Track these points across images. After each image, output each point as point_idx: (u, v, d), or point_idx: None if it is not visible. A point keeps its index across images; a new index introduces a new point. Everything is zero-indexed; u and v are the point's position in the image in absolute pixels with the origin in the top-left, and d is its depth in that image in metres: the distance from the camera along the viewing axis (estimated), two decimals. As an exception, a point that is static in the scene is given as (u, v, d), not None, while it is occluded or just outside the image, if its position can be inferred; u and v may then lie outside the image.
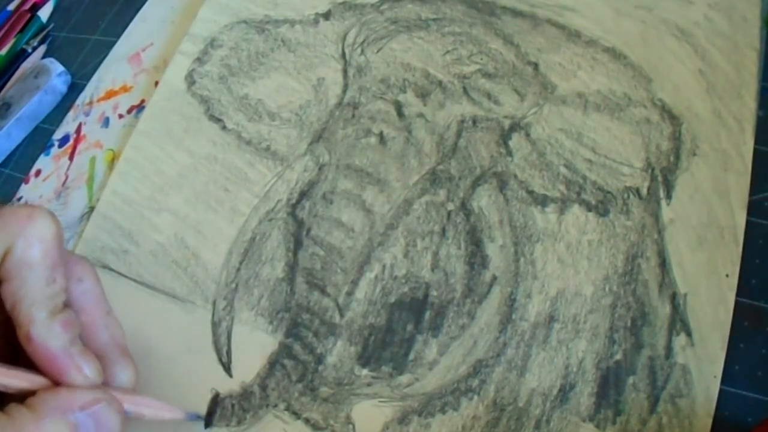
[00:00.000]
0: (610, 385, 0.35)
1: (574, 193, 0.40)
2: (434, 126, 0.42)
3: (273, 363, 0.38)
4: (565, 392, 0.35)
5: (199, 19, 0.51)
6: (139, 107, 0.51)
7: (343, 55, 0.46)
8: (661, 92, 0.41)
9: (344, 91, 0.45)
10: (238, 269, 0.41)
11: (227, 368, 0.39)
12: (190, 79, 0.48)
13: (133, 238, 0.43)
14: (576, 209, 0.39)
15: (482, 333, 0.37)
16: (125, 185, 0.46)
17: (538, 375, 0.36)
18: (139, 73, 0.53)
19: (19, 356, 0.31)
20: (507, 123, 0.42)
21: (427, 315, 0.38)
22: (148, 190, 0.45)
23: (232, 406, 0.37)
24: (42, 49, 0.59)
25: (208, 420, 0.37)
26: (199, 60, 0.49)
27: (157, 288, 0.41)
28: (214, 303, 0.40)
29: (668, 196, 0.39)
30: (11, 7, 0.62)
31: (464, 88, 0.43)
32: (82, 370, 0.30)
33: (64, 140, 0.53)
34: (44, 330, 0.29)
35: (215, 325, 0.40)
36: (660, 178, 0.39)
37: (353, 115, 0.44)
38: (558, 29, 0.45)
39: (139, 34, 0.55)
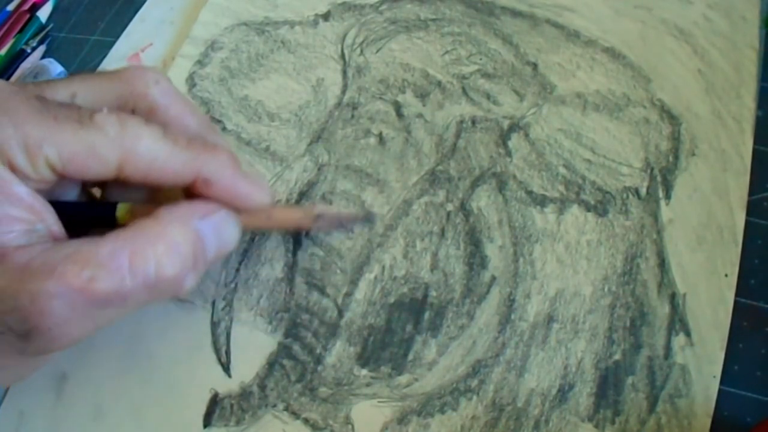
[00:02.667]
0: (609, 385, 0.35)
1: (573, 194, 0.40)
2: (433, 126, 0.42)
3: (272, 363, 0.38)
4: (564, 392, 0.35)
5: (199, 21, 0.51)
6: (139, 107, 0.51)
7: (343, 55, 0.46)
8: (661, 92, 0.41)
9: (343, 92, 0.45)
10: (237, 269, 0.41)
11: (226, 368, 0.38)
12: (191, 82, 0.48)
13: (132, 238, 0.43)
14: (575, 209, 0.39)
15: (481, 333, 0.37)
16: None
17: (537, 375, 0.36)
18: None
19: None
20: (506, 123, 0.42)
21: (427, 315, 0.38)
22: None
23: (231, 406, 0.37)
24: (41, 49, 0.59)
25: (208, 419, 0.37)
26: (200, 62, 0.49)
27: (156, 288, 0.41)
28: (213, 303, 0.40)
29: (667, 196, 0.39)
30: (10, 7, 0.62)
31: (463, 89, 0.43)
32: (263, 189, 0.34)
33: (64, 141, 0.53)
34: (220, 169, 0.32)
35: (214, 325, 0.40)
36: (659, 178, 0.39)
37: (352, 116, 0.44)
38: (557, 29, 0.45)
39: (139, 34, 0.55)
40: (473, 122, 0.42)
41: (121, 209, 0.33)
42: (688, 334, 0.35)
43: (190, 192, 0.33)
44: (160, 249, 0.30)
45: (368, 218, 0.40)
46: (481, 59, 0.44)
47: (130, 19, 0.56)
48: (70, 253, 0.28)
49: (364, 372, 0.37)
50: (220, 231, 0.32)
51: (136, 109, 0.34)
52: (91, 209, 0.35)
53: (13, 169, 0.29)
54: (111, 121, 0.30)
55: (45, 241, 0.30)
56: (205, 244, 0.32)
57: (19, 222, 0.29)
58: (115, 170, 0.31)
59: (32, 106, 0.30)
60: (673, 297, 0.36)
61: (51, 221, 0.30)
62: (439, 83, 0.44)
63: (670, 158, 0.40)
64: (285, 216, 0.37)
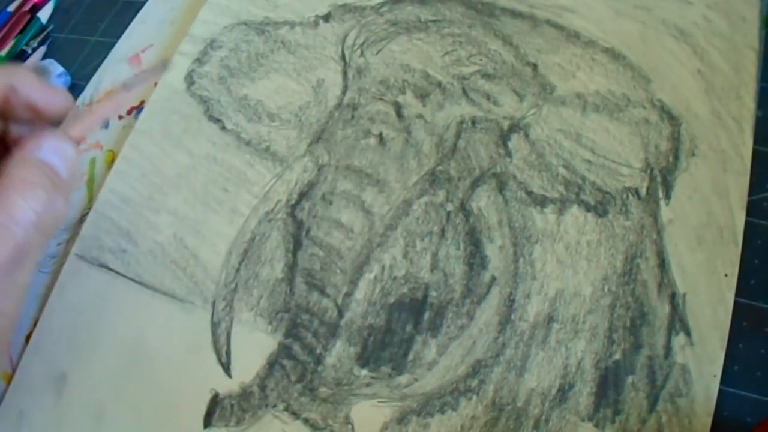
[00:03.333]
0: (609, 385, 0.35)
1: (573, 194, 0.40)
2: (433, 127, 0.42)
3: (272, 363, 0.38)
4: (564, 392, 0.35)
5: (199, 20, 0.51)
6: (139, 108, 0.51)
7: (343, 56, 0.46)
8: (660, 93, 0.41)
9: (344, 93, 0.45)
10: (238, 270, 0.41)
11: (226, 368, 0.39)
12: (190, 80, 0.48)
13: (131, 237, 0.43)
14: (575, 210, 0.39)
15: (481, 333, 0.37)
16: (123, 184, 0.46)
17: (537, 375, 0.36)
18: (138, 74, 0.53)
19: None
20: (506, 124, 0.42)
21: (426, 315, 0.38)
22: (147, 190, 0.45)
23: (232, 406, 0.37)
24: (42, 50, 0.59)
25: (208, 419, 0.37)
26: (199, 60, 0.49)
27: (156, 288, 0.41)
28: (213, 303, 0.40)
29: (667, 197, 0.39)
30: (11, 8, 0.62)
31: (463, 89, 0.43)
32: (62, 91, 0.38)
33: (64, 141, 0.53)
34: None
35: (214, 325, 0.40)
36: (659, 179, 0.39)
37: (353, 116, 0.44)
38: (557, 30, 0.45)
39: (139, 35, 0.55)
40: (473, 123, 0.42)
41: None
42: (688, 333, 0.35)
43: (2, 115, 0.36)
44: (27, 193, 0.32)
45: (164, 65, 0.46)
46: (481, 60, 0.44)
47: (131, 20, 0.56)
48: None
49: (364, 372, 0.37)
50: (58, 149, 0.35)
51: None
52: None
53: None
54: None
55: None
56: (54, 167, 0.34)
57: None
58: None
59: None
60: (673, 297, 0.36)
61: None
62: (439, 84, 0.44)
63: (670, 158, 0.40)
64: (103, 105, 0.40)
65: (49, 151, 0.35)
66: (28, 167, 0.33)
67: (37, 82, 0.36)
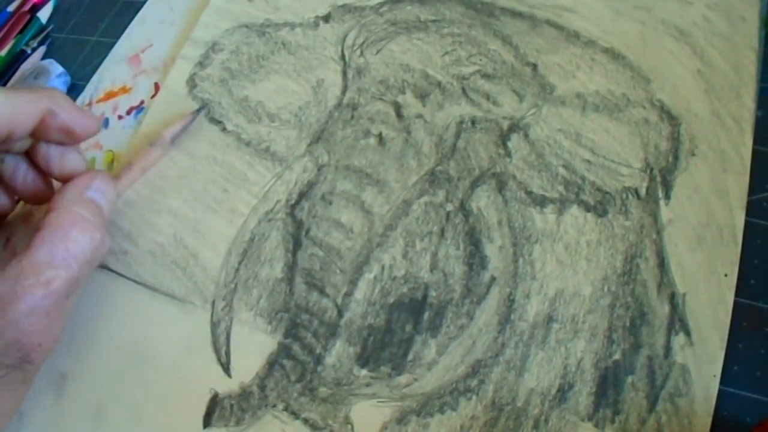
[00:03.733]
0: (608, 385, 0.35)
1: (573, 194, 0.40)
2: (433, 127, 0.42)
3: (272, 363, 0.38)
4: (563, 392, 0.35)
5: (201, 24, 0.51)
6: (139, 108, 0.51)
7: (343, 56, 0.46)
8: (660, 93, 0.41)
9: (343, 93, 0.45)
10: (237, 270, 0.41)
11: (226, 368, 0.38)
12: (192, 83, 0.48)
13: (132, 238, 0.43)
14: (575, 210, 0.39)
15: (481, 333, 0.37)
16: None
17: (536, 375, 0.36)
18: (138, 74, 0.53)
19: None
20: (506, 124, 0.42)
21: (426, 315, 0.38)
22: (148, 191, 0.45)
23: (231, 406, 0.37)
24: (42, 50, 0.59)
25: (208, 419, 0.37)
26: (201, 64, 0.49)
27: (156, 288, 0.41)
28: (213, 303, 0.40)
29: (667, 197, 0.39)
30: (11, 8, 0.62)
31: (463, 89, 0.43)
32: (94, 116, 0.40)
33: (64, 141, 0.53)
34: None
35: (214, 325, 0.40)
36: (659, 179, 0.39)
37: (352, 116, 0.44)
38: (557, 30, 0.45)
39: (139, 35, 0.55)
40: (473, 123, 0.42)
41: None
42: (688, 333, 0.35)
43: (38, 135, 0.38)
44: (79, 227, 0.35)
45: (198, 111, 0.47)
46: (480, 60, 0.44)
47: (131, 20, 0.56)
48: (20, 272, 0.32)
49: (364, 372, 0.37)
50: (103, 190, 0.38)
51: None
52: None
53: None
54: None
55: None
56: (100, 207, 0.37)
57: None
58: None
59: None
60: (672, 297, 0.36)
61: None
62: (439, 84, 0.44)
63: (670, 158, 0.40)
64: (147, 161, 0.44)
65: (97, 190, 0.38)
66: (83, 205, 0.36)
67: (73, 107, 0.38)
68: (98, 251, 0.36)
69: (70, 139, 0.39)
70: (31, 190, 0.41)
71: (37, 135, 0.38)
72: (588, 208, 0.39)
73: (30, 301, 0.32)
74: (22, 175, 0.40)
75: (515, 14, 0.46)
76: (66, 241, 0.34)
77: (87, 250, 0.35)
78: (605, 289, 0.37)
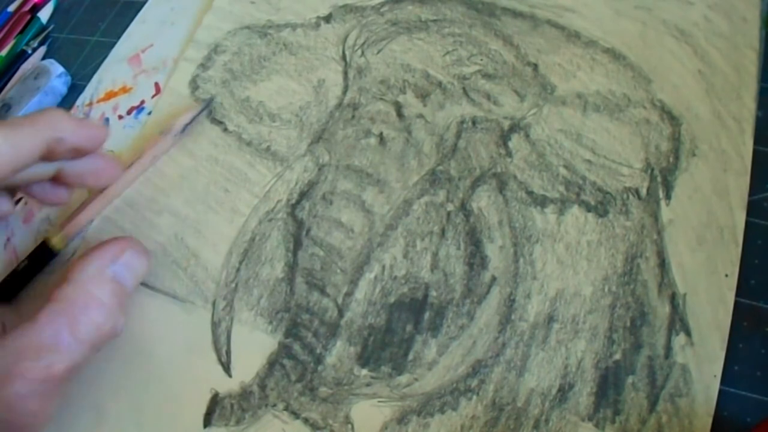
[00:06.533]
0: (609, 385, 0.35)
1: (574, 194, 0.40)
2: (434, 127, 0.42)
3: (272, 363, 0.38)
4: (564, 392, 0.35)
5: (203, 25, 0.51)
6: (139, 108, 0.51)
7: (344, 56, 0.46)
8: (661, 93, 0.41)
9: (344, 93, 0.45)
10: (238, 269, 0.41)
11: (226, 368, 0.39)
12: (194, 85, 0.49)
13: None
14: (575, 210, 0.39)
15: (481, 333, 0.37)
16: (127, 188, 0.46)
17: (537, 375, 0.36)
18: (138, 74, 0.53)
19: None
20: (506, 124, 0.42)
21: (427, 315, 0.38)
22: (150, 192, 0.45)
23: (231, 405, 0.37)
24: (42, 50, 0.59)
25: (208, 418, 0.37)
26: (203, 66, 0.49)
27: (157, 288, 0.41)
28: (213, 303, 0.40)
29: (668, 197, 0.39)
30: (11, 8, 0.62)
31: (464, 89, 0.43)
32: (98, 126, 0.40)
33: (65, 141, 0.53)
34: None
35: (215, 325, 0.40)
36: (659, 179, 0.39)
37: (353, 116, 0.44)
38: (558, 30, 0.45)
39: (139, 35, 0.55)
40: (474, 123, 0.42)
41: (55, 241, 0.40)
42: (688, 333, 0.35)
43: (47, 158, 0.36)
44: (93, 313, 0.33)
45: (209, 102, 0.46)
46: (481, 60, 0.44)
47: (131, 20, 0.56)
48: (20, 350, 0.30)
49: (364, 372, 0.37)
50: (132, 266, 0.36)
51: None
52: (30, 270, 0.41)
53: None
54: None
55: None
56: (124, 285, 0.35)
57: None
58: None
59: None
60: (673, 297, 0.36)
61: None
62: (439, 84, 0.44)
63: (671, 159, 0.40)
64: (158, 149, 0.44)
65: (124, 266, 0.35)
66: (102, 284, 0.34)
67: (77, 125, 0.36)
68: (108, 338, 0.34)
69: (81, 154, 0.38)
70: (49, 197, 0.40)
71: (47, 159, 0.36)
72: (589, 208, 0.39)
73: (26, 384, 0.30)
74: (41, 187, 0.39)
75: (516, 14, 0.46)
76: (74, 326, 0.32)
77: (95, 337, 0.33)
78: (606, 289, 0.37)
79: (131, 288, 0.36)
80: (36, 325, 0.31)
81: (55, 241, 0.42)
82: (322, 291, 0.39)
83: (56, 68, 0.55)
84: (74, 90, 0.55)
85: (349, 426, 0.36)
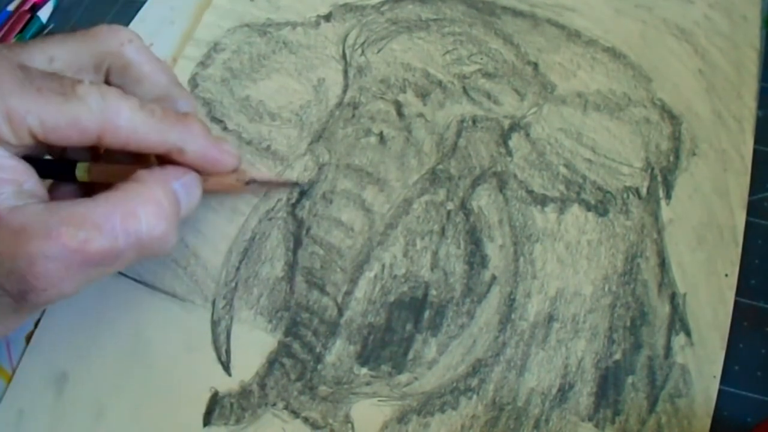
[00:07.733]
0: (609, 385, 0.35)
1: (574, 193, 0.40)
2: (434, 126, 0.42)
3: (272, 362, 0.38)
4: (564, 392, 0.35)
5: (203, 23, 0.51)
6: (139, 107, 0.51)
7: (344, 55, 0.46)
8: (661, 92, 0.41)
9: (344, 92, 0.45)
10: (238, 268, 0.41)
11: (226, 367, 0.38)
12: (193, 83, 0.48)
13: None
14: (575, 209, 0.39)
15: (481, 332, 0.37)
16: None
17: (537, 374, 0.36)
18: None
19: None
20: (507, 123, 0.42)
21: (427, 314, 0.38)
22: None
23: (231, 404, 0.37)
24: (42, 49, 0.59)
25: (208, 418, 0.37)
26: (203, 64, 0.49)
27: (157, 287, 0.41)
28: (213, 302, 0.40)
29: (668, 196, 0.39)
30: (11, 7, 0.62)
31: (464, 88, 0.43)
32: (231, 154, 0.37)
33: (65, 140, 0.53)
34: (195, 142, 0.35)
35: (214, 324, 0.40)
36: (659, 178, 0.39)
37: (353, 115, 0.44)
38: (558, 29, 0.45)
39: (139, 34, 0.55)
40: (474, 122, 0.42)
41: (80, 169, 0.36)
42: (688, 333, 0.35)
43: (162, 157, 0.35)
44: (150, 209, 0.32)
45: (297, 184, 0.42)
46: (481, 59, 0.44)
47: (131, 20, 0.56)
48: (65, 216, 0.30)
49: (364, 371, 0.37)
50: (190, 191, 0.35)
51: (111, 67, 0.36)
52: (53, 167, 0.37)
53: None
54: (93, 93, 0.32)
55: (35, 202, 0.31)
56: (180, 204, 0.34)
57: (8, 183, 0.31)
58: (95, 140, 0.32)
59: (15, 77, 0.30)
60: (673, 297, 0.36)
61: (34, 181, 0.32)
62: (440, 83, 0.44)
63: (671, 158, 0.40)
64: (217, 181, 0.39)
65: (184, 186, 0.35)
66: (164, 191, 0.33)
67: (204, 142, 0.36)
68: (155, 244, 0.32)
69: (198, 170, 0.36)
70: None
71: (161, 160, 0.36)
72: (589, 208, 0.39)
73: (56, 248, 0.29)
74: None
75: (516, 13, 0.46)
76: (127, 216, 0.31)
77: (143, 235, 0.32)
78: (606, 288, 0.37)
79: (184, 210, 0.35)
80: (91, 201, 0.31)
81: (81, 172, 0.37)
82: (322, 290, 0.39)
83: (56, 67, 0.55)
84: (74, 89, 0.55)
85: (349, 425, 0.36)
